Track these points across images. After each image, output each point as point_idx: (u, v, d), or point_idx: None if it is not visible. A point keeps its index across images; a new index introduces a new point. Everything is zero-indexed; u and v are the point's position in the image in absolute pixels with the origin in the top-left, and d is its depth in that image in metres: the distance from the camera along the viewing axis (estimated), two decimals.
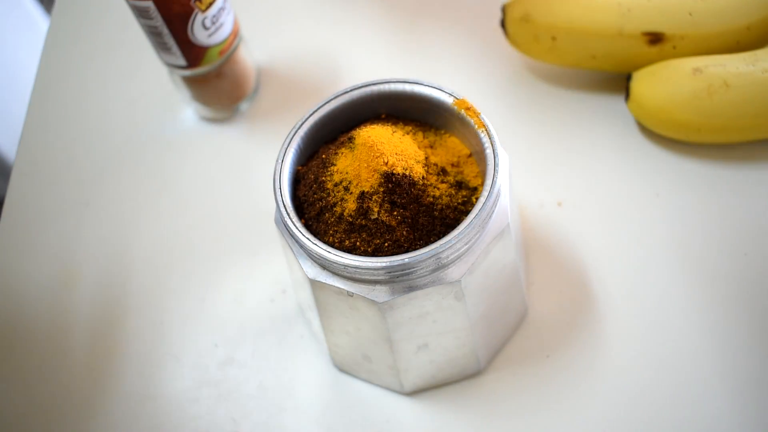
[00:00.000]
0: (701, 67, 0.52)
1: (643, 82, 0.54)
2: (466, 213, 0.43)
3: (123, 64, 0.65)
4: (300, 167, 0.46)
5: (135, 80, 0.64)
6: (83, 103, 0.64)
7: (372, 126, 0.45)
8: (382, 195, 0.42)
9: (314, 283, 0.43)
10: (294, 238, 0.43)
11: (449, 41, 0.62)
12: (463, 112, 0.45)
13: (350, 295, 0.43)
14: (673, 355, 0.48)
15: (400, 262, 0.41)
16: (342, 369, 0.50)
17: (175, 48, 0.55)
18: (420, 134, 0.46)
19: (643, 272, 0.51)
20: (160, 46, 0.56)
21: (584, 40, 0.55)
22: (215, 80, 0.59)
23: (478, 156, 0.45)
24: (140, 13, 0.54)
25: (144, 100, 0.63)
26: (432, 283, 0.42)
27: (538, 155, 0.56)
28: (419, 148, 0.44)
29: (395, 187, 0.42)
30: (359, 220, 0.42)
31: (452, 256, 0.42)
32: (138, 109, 0.63)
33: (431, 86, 0.46)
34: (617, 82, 0.58)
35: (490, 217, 0.43)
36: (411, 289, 0.42)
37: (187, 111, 0.62)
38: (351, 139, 0.44)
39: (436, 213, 0.43)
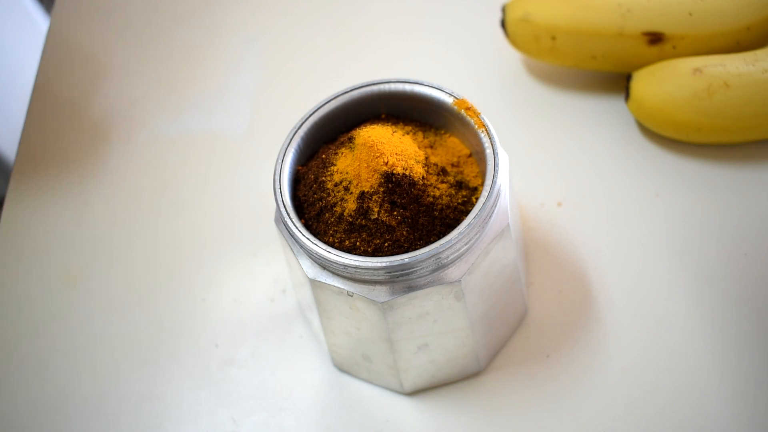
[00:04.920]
0: (701, 67, 0.52)
1: (643, 82, 0.54)
2: (466, 213, 0.43)
3: (123, 64, 0.65)
4: (300, 167, 0.46)
5: (135, 80, 0.64)
6: (83, 103, 0.64)
7: (372, 126, 0.45)
8: (382, 195, 0.42)
9: (314, 283, 0.43)
10: (294, 238, 0.43)
11: (449, 41, 0.62)
12: (463, 112, 0.45)
13: (350, 295, 0.43)
14: (673, 354, 0.48)
15: (400, 262, 0.41)
16: (342, 369, 0.50)
17: None
18: (420, 134, 0.46)
19: (643, 272, 0.51)
20: None
21: (584, 40, 0.55)
22: None
23: (478, 156, 0.45)
24: None
25: (144, 100, 0.63)
26: (432, 283, 0.42)
27: (538, 155, 0.56)
28: (419, 148, 0.44)
29: (395, 187, 0.42)
30: (359, 220, 0.42)
31: (452, 256, 0.42)
32: (138, 109, 0.63)
33: (431, 86, 0.46)
34: (617, 82, 0.58)
35: (490, 217, 0.43)
36: (411, 289, 0.42)
37: (187, 111, 0.62)
38: (351, 139, 0.44)
39: (436, 213, 0.43)
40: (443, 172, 0.44)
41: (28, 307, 0.55)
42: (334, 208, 0.43)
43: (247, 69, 0.63)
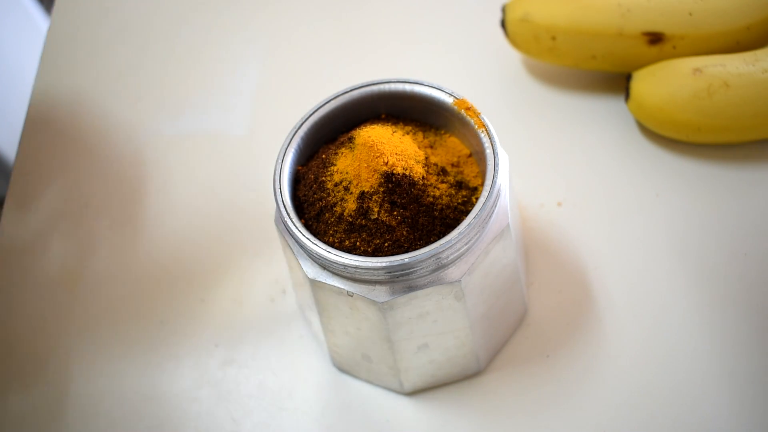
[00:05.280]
0: (701, 67, 0.52)
1: (643, 82, 0.54)
2: (466, 213, 0.43)
3: (123, 64, 0.65)
4: (300, 167, 0.46)
5: (135, 80, 0.64)
6: (83, 103, 0.64)
7: (372, 126, 0.45)
8: (382, 195, 0.42)
9: (314, 283, 0.43)
10: (294, 238, 0.43)
11: (449, 41, 0.62)
12: (463, 112, 0.45)
13: (350, 295, 0.43)
14: (673, 354, 0.48)
15: (400, 262, 0.41)
16: (342, 369, 0.50)
17: None
18: (420, 134, 0.46)
19: (643, 272, 0.51)
20: None
21: (584, 40, 0.55)
22: None
23: (478, 156, 0.45)
24: None
25: (144, 99, 0.63)
26: (432, 283, 0.42)
27: (538, 155, 0.56)
28: (419, 148, 0.44)
29: (395, 187, 0.42)
30: (359, 220, 0.42)
31: (452, 256, 0.42)
32: (138, 109, 0.63)
33: (431, 86, 0.46)
34: (617, 82, 0.58)
35: (490, 217, 0.43)
36: (411, 289, 0.42)
37: (187, 111, 0.62)
38: (351, 139, 0.44)
39: (436, 213, 0.43)
40: (443, 172, 0.44)
41: (28, 307, 0.55)
42: (334, 208, 0.43)
43: (248, 69, 0.63)
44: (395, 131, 0.45)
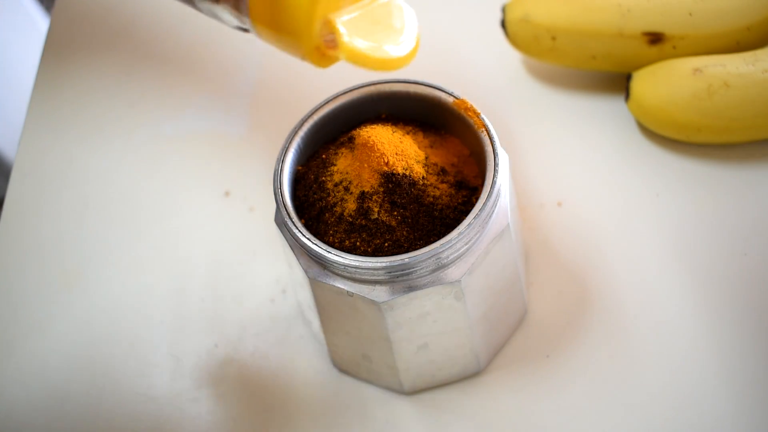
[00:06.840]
0: (701, 67, 0.52)
1: (643, 82, 0.54)
2: (466, 213, 0.43)
3: (123, 64, 0.65)
4: (300, 167, 0.46)
5: (135, 80, 0.64)
6: (83, 103, 0.64)
7: (372, 126, 0.45)
8: (382, 195, 0.42)
9: (314, 283, 0.43)
10: (294, 238, 0.43)
11: (449, 41, 0.62)
12: (463, 112, 0.45)
13: (350, 295, 0.43)
14: (673, 354, 0.48)
15: (400, 262, 0.41)
16: (342, 369, 0.50)
17: None
18: (420, 134, 0.46)
19: (643, 272, 0.51)
20: None
21: (584, 40, 0.55)
22: None
23: (478, 156, 0.45)
24: None
25: (144, 100, 0.63)
26: (432, 283, 0.42)
27: (538, 155, 0.56)
28: (419, 148, 0.44)
29: (395, 187, 0.42)
30: (359, 220, 0.42)
31: (452, 256, 0.42)
32: (138, 109, 0.63)
33: (431, 86, 0.46)
34: (617, 82, 0.58)
35: (490, 217, 0.43)
36: (411, 289, 0.42)
37: (187, 111, 0.62)
38: (351, 139, 0.44)
39: (436, 213, 0.43)
40: (443, 172, 0.44)
41: (28, 307, 0.55)
42: (334, 209, 0.43)
43: (248, 69, 0.63)
44: (395, 131, 0.45)
